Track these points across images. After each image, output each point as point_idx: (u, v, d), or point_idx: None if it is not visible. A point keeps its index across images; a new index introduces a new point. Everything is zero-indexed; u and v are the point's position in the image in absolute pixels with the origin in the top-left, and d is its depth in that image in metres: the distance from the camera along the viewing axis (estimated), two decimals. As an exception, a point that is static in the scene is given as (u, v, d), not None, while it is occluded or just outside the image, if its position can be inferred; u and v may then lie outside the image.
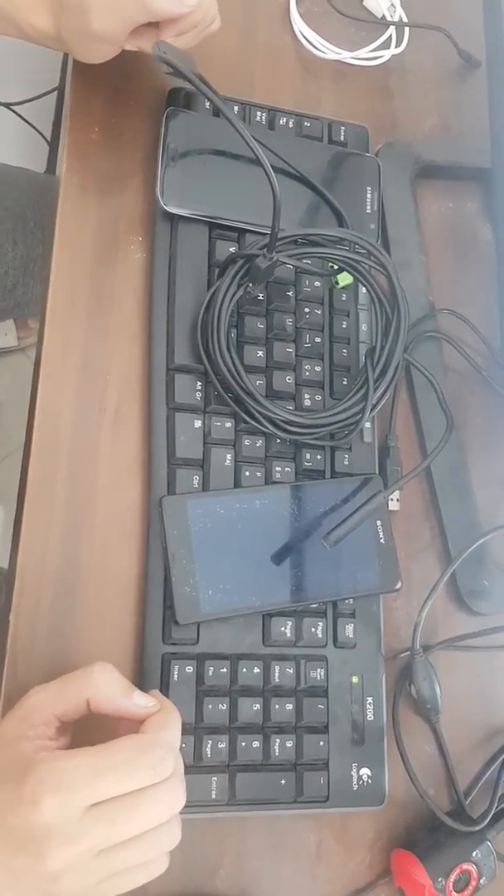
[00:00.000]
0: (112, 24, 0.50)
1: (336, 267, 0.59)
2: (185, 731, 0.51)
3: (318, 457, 0.58)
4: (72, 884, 0.38)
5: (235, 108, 0.62)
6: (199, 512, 0.53)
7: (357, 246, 0.57)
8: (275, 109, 0.64)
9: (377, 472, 0.60)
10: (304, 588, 0.55)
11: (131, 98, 0.61)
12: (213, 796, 0.51)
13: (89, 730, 0.44)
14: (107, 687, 0.43)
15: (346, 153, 0.65)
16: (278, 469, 0.57)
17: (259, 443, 0.57)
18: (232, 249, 0.59)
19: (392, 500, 0.61)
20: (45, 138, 1.28)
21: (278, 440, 0.57)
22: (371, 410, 0.57)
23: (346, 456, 0.59)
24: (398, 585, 0.58)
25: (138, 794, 0.40)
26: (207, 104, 0.60)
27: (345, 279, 0.60)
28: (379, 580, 0.57)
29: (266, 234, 0.53)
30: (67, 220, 0.58)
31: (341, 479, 0.58)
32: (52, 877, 0.37)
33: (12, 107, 1.20)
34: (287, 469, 0.57)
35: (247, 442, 0.56)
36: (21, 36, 0.54)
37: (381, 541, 0.58)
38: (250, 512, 0.55)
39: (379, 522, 0.58)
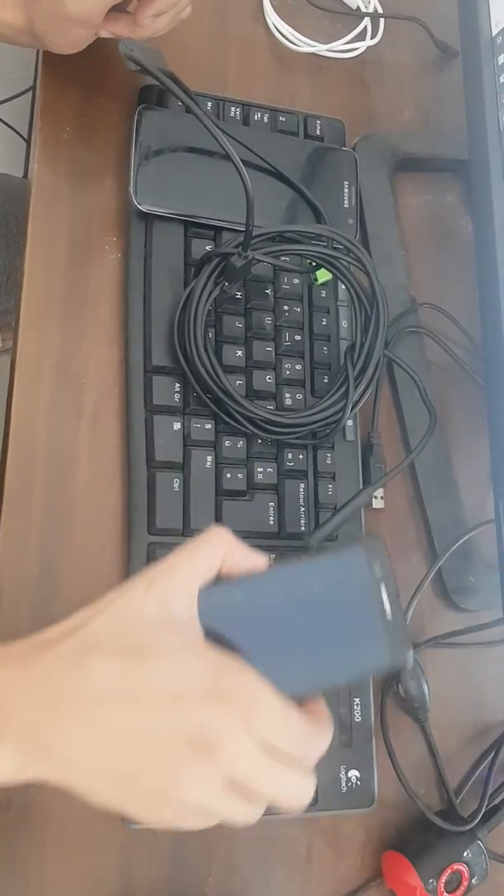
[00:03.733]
0: (88, 4, 0.49)
1: (314, 264, 0.58)
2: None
3: (301, 456, 0.58)
4: (193, 790, 0.36)
5: (209, 104, 0.61)
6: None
7: (335, 242, 0.56)
8: (249, 104, 0.63)
9: (360, 469, 0.60)
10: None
11: (103, 96, 0.60)
12: (201, 803, 0.50)
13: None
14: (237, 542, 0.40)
15: (322, 147, 0.64)
16: (260, 470, 0.56)
17: (240, 444, 0.56)
18: (208, 248, 0.58)
19: (376, 497, 0.61)
20: (24, 138, 1.27)
21: (259, 440, 0.56)
22: (352, 408, 0.56)
23: (329, 455, 0.58)
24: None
25: (293, 768, 0.38)
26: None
27: (324, 276, 0.60)
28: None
29: (243, 231, 0.52)
30: (40, 221, 0.57)
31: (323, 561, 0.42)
32: (183, 777, 0.35)
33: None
34: (269, 470, 0.56)
35: (227, 443, 0.56)
36: None
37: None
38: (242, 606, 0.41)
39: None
